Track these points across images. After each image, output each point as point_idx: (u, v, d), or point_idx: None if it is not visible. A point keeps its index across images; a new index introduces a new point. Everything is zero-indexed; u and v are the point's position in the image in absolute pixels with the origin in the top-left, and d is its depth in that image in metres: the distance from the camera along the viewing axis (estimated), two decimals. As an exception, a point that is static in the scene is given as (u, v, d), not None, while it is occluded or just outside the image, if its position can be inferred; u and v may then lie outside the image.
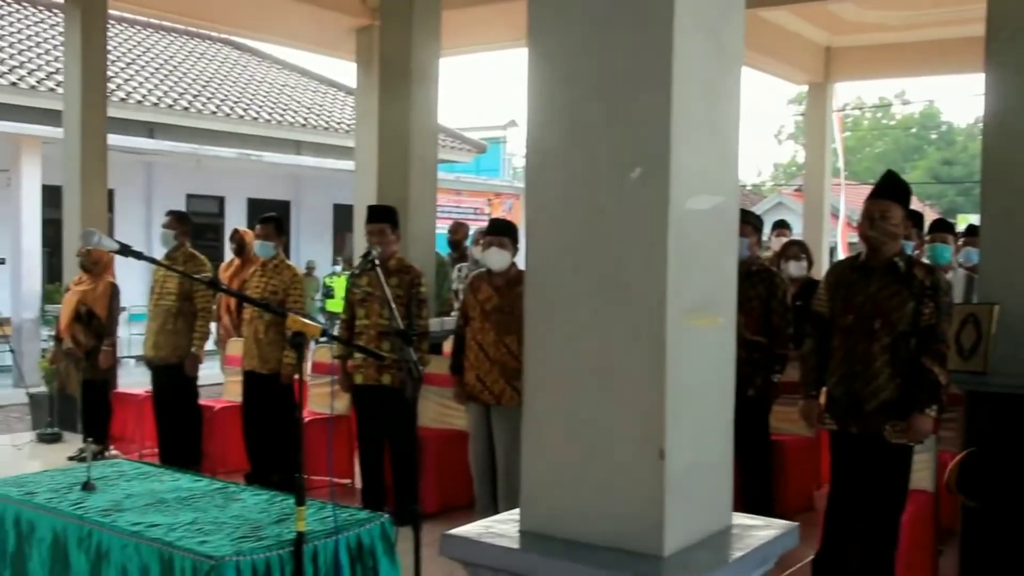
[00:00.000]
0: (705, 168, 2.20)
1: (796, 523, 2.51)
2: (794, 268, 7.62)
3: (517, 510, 2.35)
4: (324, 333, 3.20)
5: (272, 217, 7.48)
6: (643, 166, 2.09)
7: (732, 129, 2.29)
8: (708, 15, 2.20)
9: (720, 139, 2.26)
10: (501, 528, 2.31)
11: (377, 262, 5.34)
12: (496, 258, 6.23)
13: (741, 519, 2.41)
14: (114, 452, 8.40)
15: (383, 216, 6.56)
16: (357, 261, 6.40)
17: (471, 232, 10.75)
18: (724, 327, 2.30)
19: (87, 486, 3.87)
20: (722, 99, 2.26)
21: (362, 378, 6.40)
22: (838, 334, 4.87)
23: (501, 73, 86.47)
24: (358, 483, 7.00)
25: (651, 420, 2.12)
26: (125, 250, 3.42)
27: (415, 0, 8.12)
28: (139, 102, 16.47)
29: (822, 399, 5.06)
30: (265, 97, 20.01)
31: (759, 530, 2.34)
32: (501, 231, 6.34)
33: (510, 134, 29.46)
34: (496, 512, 6.18)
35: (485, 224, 7.83)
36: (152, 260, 3.54)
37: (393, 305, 5.00)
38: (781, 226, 10.36)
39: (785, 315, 6.13)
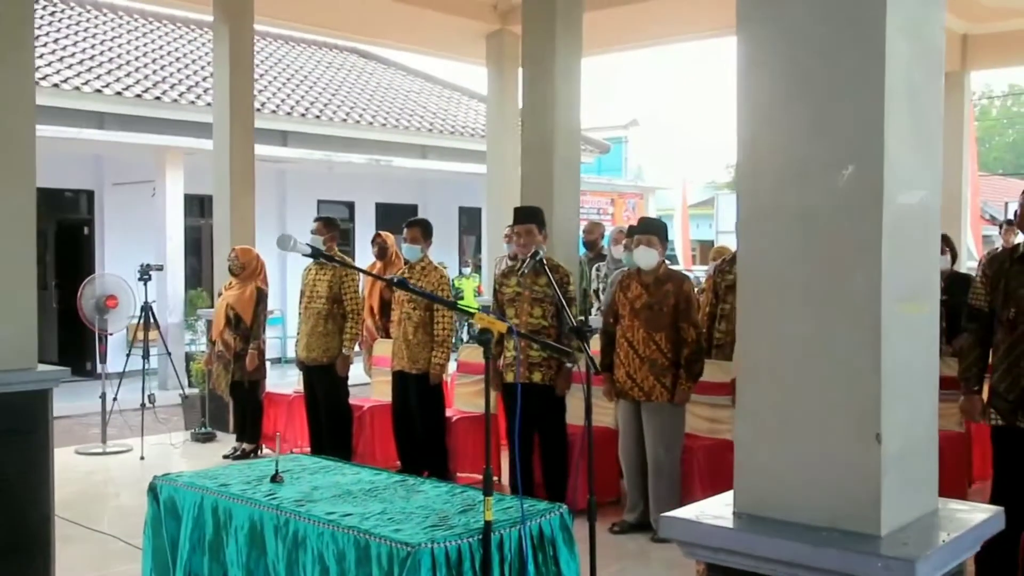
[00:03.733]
0: (912, 165, 2.27)
1: (1001, 507, 2.54)
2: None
3: (729, 493, 2.44)
4: (510, 330, 3.31)
5: (419, 220, 7.66)
6: (855, 164, 2.17)
7: (935, 125, 2.35)
8: (914, 13, 2.26)
9: (924, 136, 2.31)
10: (714, 510, 2.40)
11: (544, 262, 5.47)
12: (645, 256, 6.30)
13: (946, 503, 2.46)
14: (266, 451, 8.73)
15: (530, 217, 6.66)
16: (495, 262, 6.54)
17: (607, 232, 10.82)
18: (930, 314, 2.36)
19: (275, 478, 4.07)
20: (927, 96, 2.32)
21: (512, 376, 6.53)
22: (1001, 328, 4.79)
23: (623, 72, 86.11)
24: (506, 479, 7.14)
25: (867, 404, 2.20)
26: (316, 253, 3.60)
27: (558, 3, 8.23)
28: (273, 111, 16.97)
29: (984, 394, 4.99)
30: (392, 103, 20.42)
31: (966, 513, 2.39)
32: (650, 229, 6.40)
33: (632, 133, 29.45)
34: (646, 508, 6.29)
35: (625, 224, 7.89)
36: (344, 263, 3.70)
37: (564, 303, 5.12)
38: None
39: None
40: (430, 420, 7.36)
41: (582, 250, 10.60)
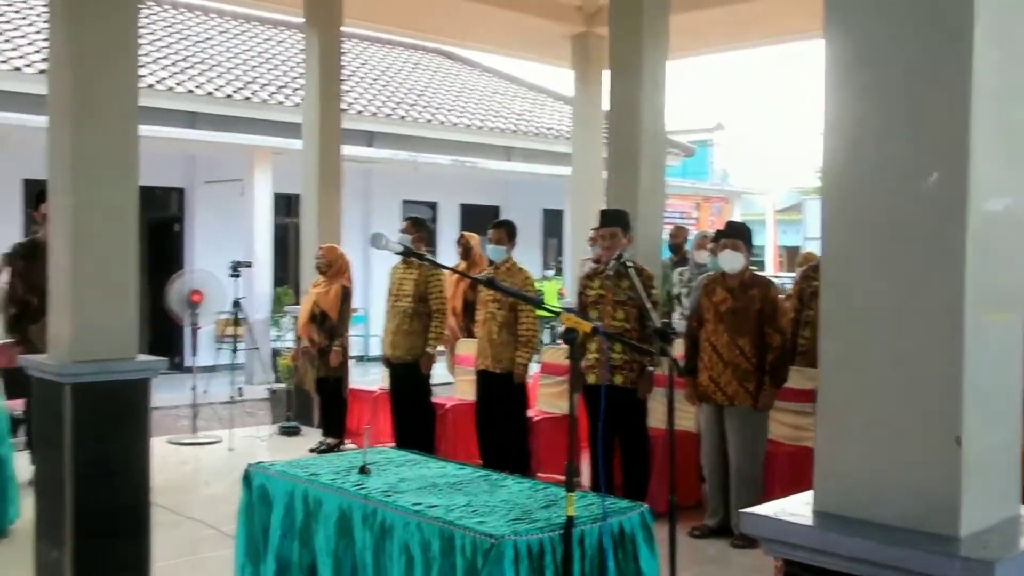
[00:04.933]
0: (1000, 171, 2.27)
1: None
2: None
3: (809, 492, 2.46)
4: (595, 331, 3.36)
5: (504, 222, 7.74)
6: (940, 170, 2.19)
7: (1022, 130, 2.35)
8: (1003, 17, 2.26)
9: (1013, 142, 2.31)
10: (794, 508, 2.42)
11: (629, 264, 5.50)
12: (731, 260, 6.29)
13: (1029, 509, 2.46)
14: (350, 446, 8.89)
15: (615, 219, 6.68)
16: (578, 265, 6.58)
17: (691, 236, 10.80)
18: (1014, 321, 2.36)
19: (363, 470, 4.17)
20: (1015, 101, 2.32)
21: (595, 378, 6.55)
22: None
23: (709, 74, 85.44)
24: (586, 481, 7.17)
25: (948, 407, 2.22)
26: (407, 252, 3.68)
27: (644, 5, 8.25)
28: (360, 112, 17.22)
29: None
30: (477, 105, 20.58)
31: (1051, 520, 2.39)
32: (736, 233, 6.39)
33: (718, 137, 29.23)
34: (727, 514, 6.28)
35: (710, 229, 7.88)
36: (434, 263, 3.78)
37: (649, 305, 5.15)
38: None
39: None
40: (512, 420, 7.43)
41: (667, 253, 10.60)
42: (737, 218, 21.20)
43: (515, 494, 3.85)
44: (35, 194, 7.37)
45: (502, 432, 7.43)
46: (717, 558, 6.08)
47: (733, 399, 6.24)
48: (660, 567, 3.68)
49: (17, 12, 15.75)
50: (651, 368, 6.54)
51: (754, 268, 6.58)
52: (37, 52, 13.69)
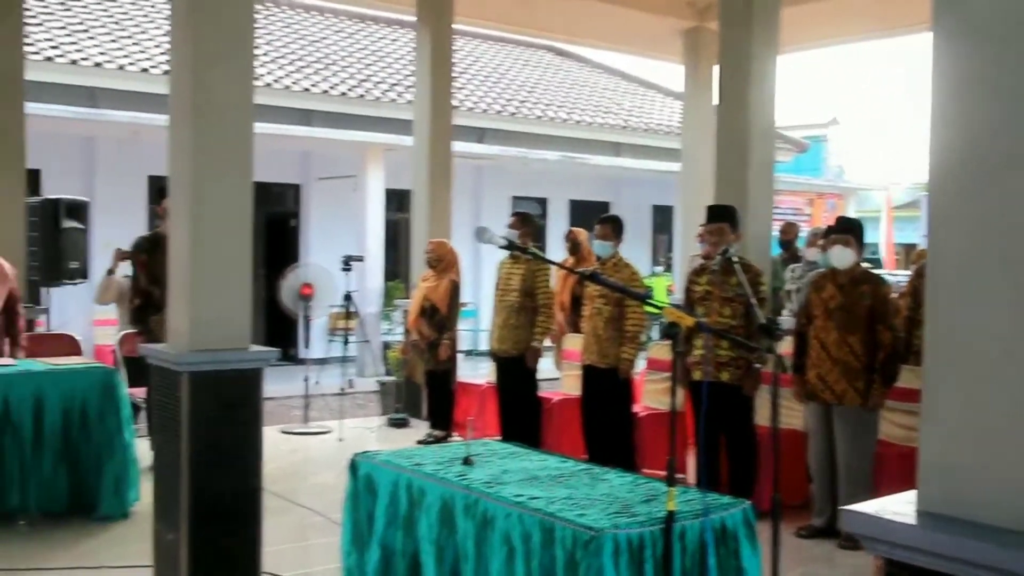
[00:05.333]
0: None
1: None
2: None
3: (912, 491, 2.42)
4: (699, 326, 3.35)
5: (610, 217, 7.74)
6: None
7: None
8: None
9: None
10: (896, 507, 2.39)
11: (736, 261, 5.45)
12: (840, 256, 6.19)
13: None
14: (457, 438, 8.99)
15: (722, 215, 6.63)
16: (687, 261, 6.55)
17: (803, 232, 10.63)
18: None
19: (467, 461, 4.23)
20: None
21: (700, 374, 6.51)
22: None
23: (823, 69, 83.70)
24: (691, 478, 7.12)
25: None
26: (511, 246, 3.72)
27: (754, 0, 8.15)
28: (471, 109, 17.36)
29: None
30: (587, 101, 20.56)
31: None
32: (846, 229, 6.28)
33: (832, 132, 28.63)
34: (834, 514, 6.17)
35: (823, 225, 7.75)
36: (538, 256, 3.82)
37: (755, 302, 5.10)
38: None
39: None
40: (618, 415, 7.43)
41: (777, 250, 10.45)
42: (852, 214, 20.74)
43: (616, 488, 3.86)
44: (158, 190, 7.66)
45: (607, 427, 7.43)
46: (822, 558, 5.99)
47: (841, 398, 6.13)
48: (762, 565, 3.66)
49: (145, 16, 16.33)
50: (757, 365, 6.47)
51: (867, 265, 6.45)
52: (162, 53, 14.18)
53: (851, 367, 6.11)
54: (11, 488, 6.05)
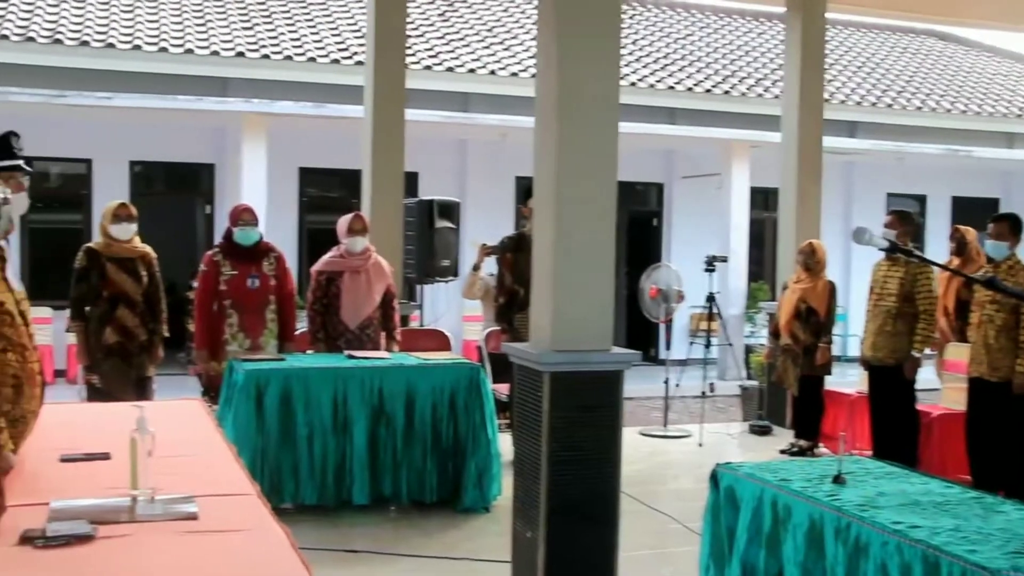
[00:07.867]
0: None
1: None
2: None
3: None
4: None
5: (1008, 215, 7.06)
6: None
7: None
8: None
9: None
10: None
11: None
12: None
13: None
14: (823, 450, 8.54)
15: None
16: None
17: None
18: None
19: (838, 479, 3.92)
20: None
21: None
22: None
23: None
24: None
25: None
26: (893, 248, 3.39)
27: None
28: (842, 102, 16.64)
29: None
30: (974, 88, 19.05)
31: None
32: None
33: None
34: None
35: None
36: (922, 259, 3.45)
37: None
38: None
39: None
40: (1010, 434, 6.72)
41: None
42: None
43: (1015, 522, 3.41)
44: (524, 190, 7.84)
45: (998, 449, 6.74)
46: None
47: None
48: None
49: (516, 21, 16.97)
50: None
51: None
52: (531, 57, 14.66)
53: None
54: (385, 476, 6.37)
